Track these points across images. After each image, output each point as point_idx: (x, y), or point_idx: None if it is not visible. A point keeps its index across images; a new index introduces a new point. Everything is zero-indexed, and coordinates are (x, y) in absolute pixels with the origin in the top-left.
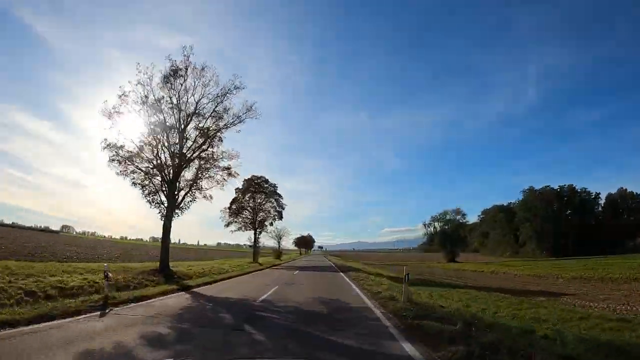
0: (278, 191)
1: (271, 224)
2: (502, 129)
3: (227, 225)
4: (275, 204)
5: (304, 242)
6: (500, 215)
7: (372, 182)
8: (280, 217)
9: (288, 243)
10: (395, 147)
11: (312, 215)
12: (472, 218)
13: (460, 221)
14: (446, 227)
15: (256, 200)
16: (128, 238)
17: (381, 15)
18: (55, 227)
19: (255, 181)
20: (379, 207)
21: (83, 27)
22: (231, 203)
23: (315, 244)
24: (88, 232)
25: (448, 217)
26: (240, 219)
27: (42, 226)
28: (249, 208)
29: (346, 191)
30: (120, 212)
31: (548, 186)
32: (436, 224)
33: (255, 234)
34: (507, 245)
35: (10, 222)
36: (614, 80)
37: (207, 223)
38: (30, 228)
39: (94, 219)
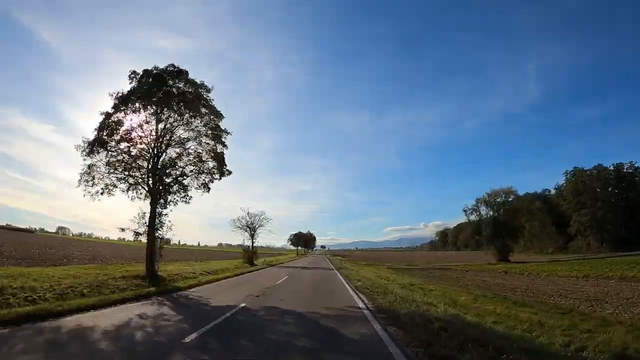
0: (215, 104)
1: (205, 187)
2: (503, 126)
3: (88, 180)
4: (208, 135)
5: (303, 241)
6: (536, 204)
7: (373, 181)
8: (221, 171)
9: (276, 242)
10: (396, 146)
11: (314, 214)
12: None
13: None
14: (497, 214)
15: (162, 118)
16: (126, 239)
17: (381, 14)
18: (52, 229)
19: (158, 75)
20: (381, 206)
21: (84, 30)
22: (99, 130)
23: (318, 243)
24: (85, 233)
25: (499, 199)
26: (115, 164)
27: (38, 228)
28: (139, 141)
29: (348, 190)
30: (119, 213)
31: (600, 164)
32: (482, 208)
33: (154, 202)
34: (548, 239)
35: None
36: (614, 77)
37: (209, 224)
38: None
39: (93, 220)
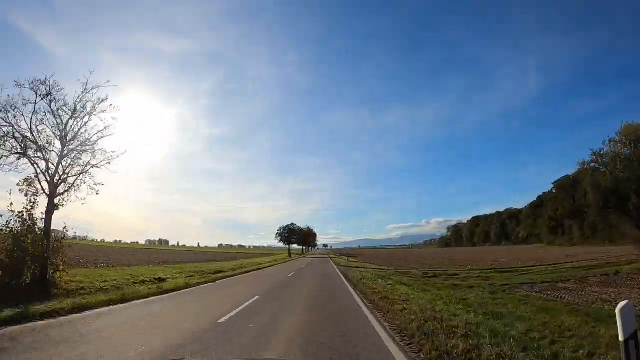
0: None
1: None
2: (503, 122)
3: None
4: None
5: (301, 237)
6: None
7: (374, 179)
8: None
9: (267, 238)
10: (396, 143)
11: (316, 213)
12: (509, 204)
13: None
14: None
15: None
16: (122, 242)
17: (380, 11)
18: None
19: None
20: (382, 204)
21: (82, 33)
22: None
23: (320, 242)
24: (79, 236)
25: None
26: None
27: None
28: None
29: (349, 189)
30: (119, 215)
31: None
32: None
33: None
34: (612, 226)
35: None
36: (614, 71)
37: (210, 225)
38: None
39: (93, 223)
